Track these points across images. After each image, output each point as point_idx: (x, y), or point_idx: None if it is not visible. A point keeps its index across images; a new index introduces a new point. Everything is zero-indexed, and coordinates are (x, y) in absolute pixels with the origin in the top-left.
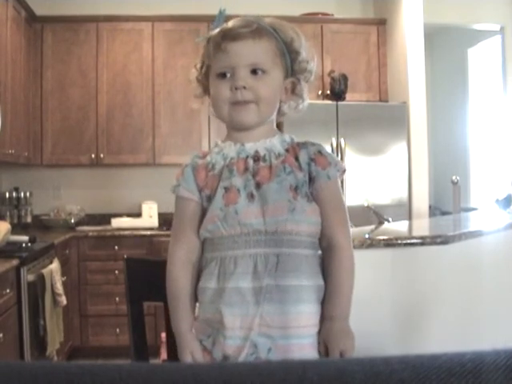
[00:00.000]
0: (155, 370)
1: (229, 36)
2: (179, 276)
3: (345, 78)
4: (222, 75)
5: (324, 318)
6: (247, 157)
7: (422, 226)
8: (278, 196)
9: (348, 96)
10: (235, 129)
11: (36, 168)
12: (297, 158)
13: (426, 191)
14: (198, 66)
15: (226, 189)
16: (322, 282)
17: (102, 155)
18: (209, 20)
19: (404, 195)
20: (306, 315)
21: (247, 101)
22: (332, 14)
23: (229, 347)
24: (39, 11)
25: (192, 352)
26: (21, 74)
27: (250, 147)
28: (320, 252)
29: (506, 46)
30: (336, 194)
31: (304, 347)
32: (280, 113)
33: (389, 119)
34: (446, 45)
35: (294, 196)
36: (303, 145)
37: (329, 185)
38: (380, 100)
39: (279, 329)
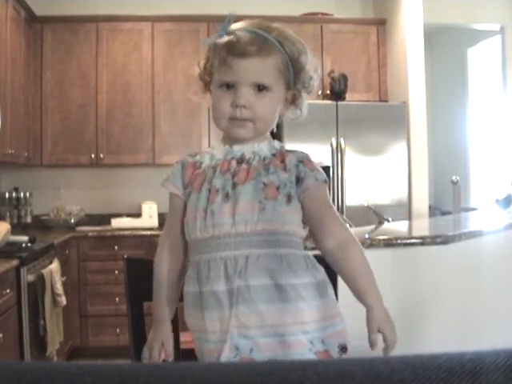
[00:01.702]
0: (155, 370)
1: (235, 52)
2: (160, 266)
3: (345, 77)
4: (226, 86)
5: (368, 308)
6: (232, 158)
7: (422, 226)
8: (250, 197)
9: (348, 96)
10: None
11: (36, 168)
12: (283, 161)
13: (425, 191)
14: (202, 63)
15: (209, 190)
16: (305, 280)
17: (101, 155)
18: (209, 20)
19: (404, 195)
20: (283, 313)
21: (245, 119)
22: (332, 14)
23: (212, 351)
24: (39, 11)
25: (163, 341)
26: (21, 74)
27: (238, 150)
28: (305, 251)
29: (506, 46)
30: (325, 195)
31: (290, 345)
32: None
33: (389, 119)
34: (446, 45)
35: (271, 196)
36: (292, 151)
37: (317, 185)
38: (380, 100)
39: (257, 328)
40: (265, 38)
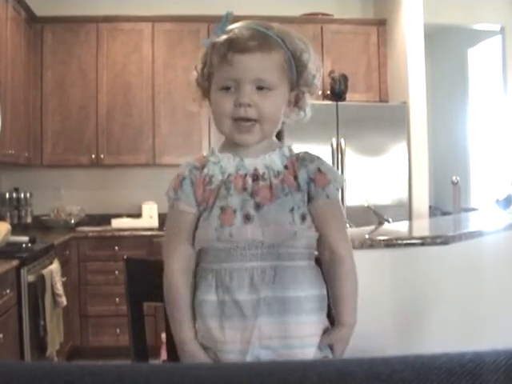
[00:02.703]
0: (155, 370)
1: (236, 47)
2: (179, 285)
3: (345, 78)
4: (226, 87)
5: (336, 323)
6: (246, 175)
7: (422, 227)
8: (279, 218)
9: (348, 96)
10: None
11: (36, 168)
12: (296, 177)
13: (426, 191)
14: (199, 67)
15: (222, 208)
16: (321, 292)
17: (102, 155)
18: (209, 20)
19: (404, 195)
20: (307, 325)
21: (250, 119)
22: (332, 15)
23: (231, 361)
24: (39, 12)
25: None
26: (21, 75)
27: (249, 163)
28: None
29: (506, 46)
30: (336, 211)
31: (307, 355)
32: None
33: (389, 119)
34: (446, 45)
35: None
36: (302, 161)
37: (327, 203)
38: (380, 100)
39: (280, 339)
40: (265, 34)
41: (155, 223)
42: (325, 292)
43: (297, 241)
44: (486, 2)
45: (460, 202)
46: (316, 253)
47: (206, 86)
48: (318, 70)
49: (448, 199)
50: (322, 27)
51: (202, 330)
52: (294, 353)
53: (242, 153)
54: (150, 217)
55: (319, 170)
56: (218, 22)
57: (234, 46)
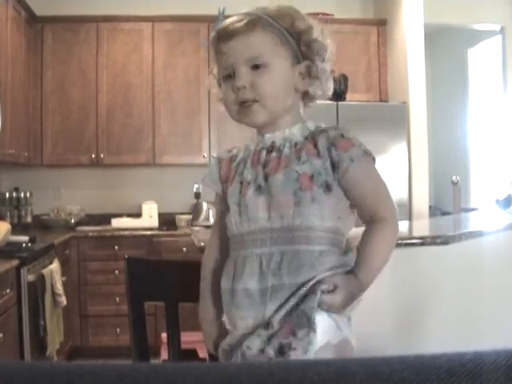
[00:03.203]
0: (155, 370)
1: (223, 36)
2: (206, 270)
3: (345, 78)
4: (228, 76)
5: (350, 272)
6: (263, 148)
7: (422, 227)
8: (283, 189)
9: (348, 96)
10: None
11: (36, 168)
12: (315, 145)
13: (426, 191)
14: (215, 71)
15: (241, 183)
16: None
17: (102, 155)
18: (209, 20)
19: (404, 195)
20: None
21: (248, 100)
22: (332, 15)
23: (240, 349)
24: (39, 11)
25: (214, 341)
26: (21, 75)
27: (269, 138)
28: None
29: (506, 46)
30: (366, 172)
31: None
32: (308, 97)
33: (389, 119)
34: (446, 45)
35: (306, 186)
36: (324, 130)
37: (354, 166)
38: (380, 100)
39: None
40: (251, 14)
41: (155, 223)
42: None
43: (308, 219)
44: (486, 2)
45: (460, 201)
46: (344, 240)
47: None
48: (321, 33)
49: (448, 199)
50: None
51: (224, 316)
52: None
53: (265, 129)
54: (150, 216)
55: (341, 135)
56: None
57: (222, 35)
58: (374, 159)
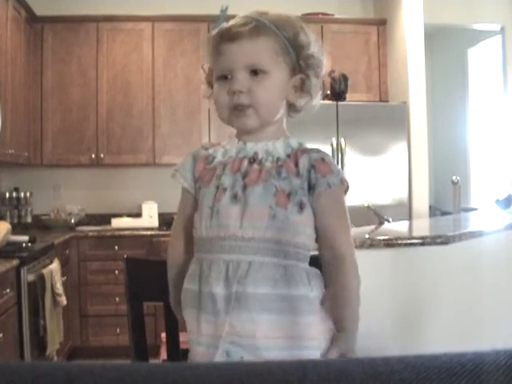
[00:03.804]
0: (155, 369)
1: (226, 37)
2: (174, 261)
3: (345, 78)
4: (223, 77)
5: (339, 330)
6: (244, 157)
7: (422, 226)
8: (260, 201)
9: (348, 96)
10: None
11: (36, 168)
12: (296, 164)
13: (426, 191)
14: (206, 66)
15: (217, 187)
16: (300, 293)
17: (102, 155)
18: (209, 20)
19: (404, 195)
20: (272, 325)
21: (245, 105)
22: (332, 14)
23: (203, 354)
24: (39, 11)
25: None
26: (21, 74)
27: (251, 147)
28: (308, 265)
29: (507, 46)
30: (337, 202)
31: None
32: (294, 110)
33: (389, 119)
34: (447, 45)
35: (282, 203)
36: (307, 151)
37: (329, 193)
38: (380, 100)
39: (249, 338)
40: (257, 19)
41: (155, 223)
42: (312, 294)
43: (280, 233)
44: (486, 2)
45: (460, 201)
46: (312, 253)
47: (213, 82)
48: (319, 50)
49: (448, 199)
50: (322, 27)
51: (185, 318)
52: (261, 355)
53: (247, 138)
54: (149, 216)
55: (322, 159)
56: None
57: (224, 36)
58: (347, 188)
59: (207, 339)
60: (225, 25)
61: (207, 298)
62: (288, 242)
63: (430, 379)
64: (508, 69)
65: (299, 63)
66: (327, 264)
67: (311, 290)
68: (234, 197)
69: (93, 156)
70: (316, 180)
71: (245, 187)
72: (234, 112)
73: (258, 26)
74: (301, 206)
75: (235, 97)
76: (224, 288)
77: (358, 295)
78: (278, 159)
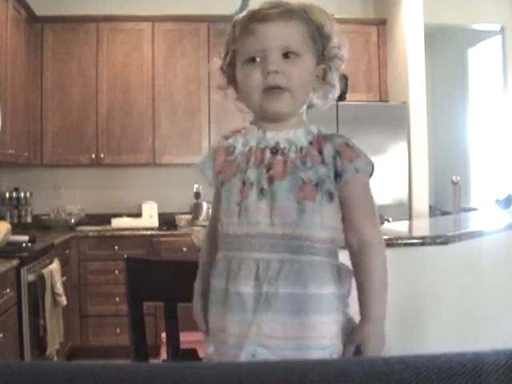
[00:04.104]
0: (155, 369)
1: (257, 17)
2: (204, 258)
3: (345, 78)
4: (252, 60)
5: (362, 320)
6: (266, 147)
7: (422, 226)
8: (288, 196)
9: (348, 96)
10: (264, 118)
11: (36, 168)
12: (321, 152)
13: (426, 191)
14: (222, 54)
15: (243, 182)
16: (333, 290)
17: (102, 155)
18: (209, 20)
19: (404, 195)
20: (306, 326)
21: (280, 87)
22: (332, 14)
23: (228, 354)
24: (39, 11)
25: (196, 316)
26: (21, 74)
27: (272, 137)
28: (338, 260)
29: (507, 46)
30: (365, 188)
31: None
32: (309, 104)
33: (389, 119)
34: (447, 45)
35: (309, 195)
36: (329, 137)
37: (357, 178)
38: (380, 100)
39: (277, 339)
40: (287, 4)
41: (155, 223)
42: (340, 291)
43: (310, 229)
44: (486, 2)
45: (460, 201)
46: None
47: (230, 71)
48: (343, 43)
49: (448, 199)
50: None
51: (210, 317)
52: (288, 355)
53: (267, 127)
54: (149, 216)
55: (347, 144)
56: (218, 21)
57: (256, 16)
58: (373, 170)
59: (232, 339)
60: (253, 8)
61: (235, 297)
62: (318, 237)
63: (430, 379)
64: (508, 69)
65: (323, 53)
66: (354, 253)
67: (341, 287)
68: (261, 192)
69: (93, 156)
70: (342, 167)
71: (270, 181)
72: (268, 94)
73: (290, 9)
74: (330, 195)
75: (270, 77)
76: (253, 287)
77: (386, 282)
78: (301, 148)
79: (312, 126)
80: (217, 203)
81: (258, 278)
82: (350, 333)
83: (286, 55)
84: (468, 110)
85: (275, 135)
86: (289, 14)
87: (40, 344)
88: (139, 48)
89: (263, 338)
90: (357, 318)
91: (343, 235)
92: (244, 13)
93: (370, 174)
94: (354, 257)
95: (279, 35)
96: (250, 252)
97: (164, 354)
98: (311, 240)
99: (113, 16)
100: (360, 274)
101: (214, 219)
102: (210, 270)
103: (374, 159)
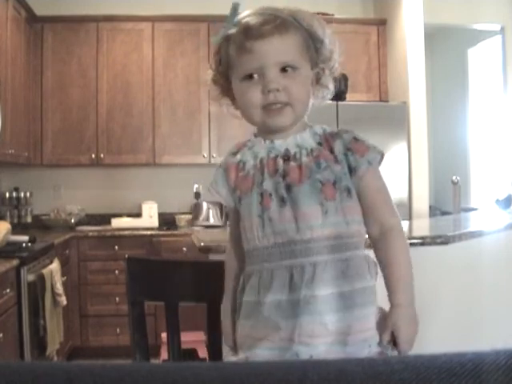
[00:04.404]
0: (155, 369)
1: (253, 35)
2: (229, 273)
3: (345, 78)
4: (249, 77)
5: (391, 306)
6: (277, 156)
7: (422, 226)
8: (310, 200)
9: (348, 96)
10: (268, 131)
11: (36, 168)
12: (332, 151)
13: (426, 191)
14: (214, 66)
15: (261, 195)
16: (363, 285)
17: (102, 155)
18: (209, 20)
19: (404, 195)
20: (348, 322)
21: (281, 103)
22: (332, 14)
23: (271, 357)
24: (39, 11)
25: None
26: (21, 74)
27: (280, 145)
28: (365, 251)
29: (507, 46)
30: (379, 178)
31: (350, 352)
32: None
33: (389, 119)
34: (447, 45)
35: (330, 195)
36: (336, 135)
37: (371, 170)
38: (380, 100)
39: (320, 337)
40: (278, 16)
41: (155, 223)
42: (373, 282)
43: (337, 227)
44: (486, 2)
45: (460, 201)
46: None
47: (223, 82)
48: (334, 44)
49: (448, 199)
50: None
51: (240, 328)
52: (332, 350)
53: (274, 136)
54: (149, 216)
55: (355, 138)
56: (218, 21)
57: (251, 33)
58: (382, 158)
59: (273, 344)
60: (244, 22)
61: (272, 307)
62: (345, 233)
63: (430, 379)
64: (508, 69)
65: (317, 57)
66: (377, 241)
67: (371, 278)
68: (282, 200)
69: (93, 156)
70: (356, 162)
71: (288, 188)
72: (268, 111)
73: (283, 22)
74: (348, 191)
75: (271, 95)
76: (288, 294)
77: (411, 266)
78: (311, 150)
79: (316, 126)
80: (235, 221)
81: (292, 284)
82: (382, 321)
83: (283, 69)
84: (468, 110)
85: (283, 142)
86: (284, 27)
87: (40, 344)
88: (139, 48)
89: (306, 337)
90: (385, 306)
91: (364, 226)
92: (236, 28)
93: (380, 163)
94: (376, 245)
95: (276, 51)
96: (281, 260)
97: (164, 354)
98: (339, 237)
99: (113, 16)
100: (385, 260)
101: (233, 237)
102: (238, 287)
103: None
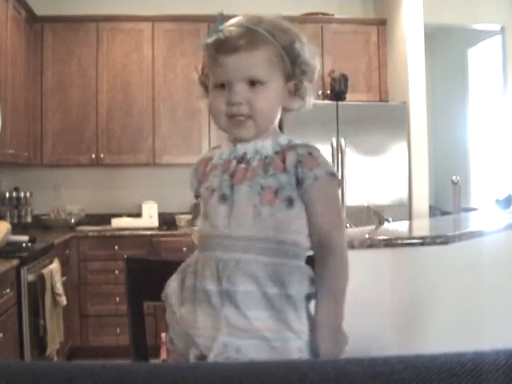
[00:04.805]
0: (155, 369)
1: (223, 49)
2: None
3: (345, 78)
4: (221, 86)
5: (315, 322)
6: (234, 158)
7: (422, 226)
8: (245, 199)
9: (348, 96)
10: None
11: (36, 168)
12: (284, 161)
13: (426, 191)
14: (199, 67)
15: (208, 189)
16: (289, 292)
17: (102, 155)
18: (209, 20)
19: (404, 195)
20: (269, 320)
21: (244, 115)
22: (332, 14)
23: (201, 346)
24: (39, 11)
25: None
26: (21, 74)
27: (240, 149)
28: (303, 263)
29: (507, 46)
30: (326, 194)
31: (277, 350)
32: (287, 108)
33: (389, 119)
34: (446, 45)
35: (268, 200)
36: (293, 147)
37: (317, 185)
38: (380, 100)
39: (244, 331)
40: (254, 30)
41: (155, 223)
42: (294, 292)
43: (267, 231)
44: (486, 1)
45: (460, 201)
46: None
47: (207, 84)
48: (313, 57)
49: (448, 199)
50: (322, 27)
51: (181, 314)
52: (258, 345)
53: (237, 141)
54: (149, 216)
55: (310, 153)
56: (217, 22)
57: (222, 47)
58: (339, 183)
59: (205, 332)
60: (221, 34)
61: (203, 294)
62: (275, 239)
63: (430, 379)
64: (508, 69)
65: (294, 70)
66: (315, 254)
67: (301, 288)
68: (222, 197)
69: (93, 156)
70: (303, 174)
71: (232, 187)
72: (232, 121)
73: (256, 37)
74: (290, 202)
75: (234, 108)
76: (216, 285)
77: (339, 287)
78: (265, 157)
79: (282, 136)
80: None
81: (218, 276)
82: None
83: (252, 82)
84: (468, 110)
85: (244, 146)
86: (254, 43)
87: (40, 344)
88: (139, 48)
89: (232, 328)
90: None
91: (307, 239)
92: (213, 39)
93: (338, 185)
94: (315, 257)
95: (244, 67)
96: (212, 252)
97: (164, 354)
98: (268, 241)
99: (113, 16)
100: (317, 274)
101: None
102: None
103: (374, 159)
